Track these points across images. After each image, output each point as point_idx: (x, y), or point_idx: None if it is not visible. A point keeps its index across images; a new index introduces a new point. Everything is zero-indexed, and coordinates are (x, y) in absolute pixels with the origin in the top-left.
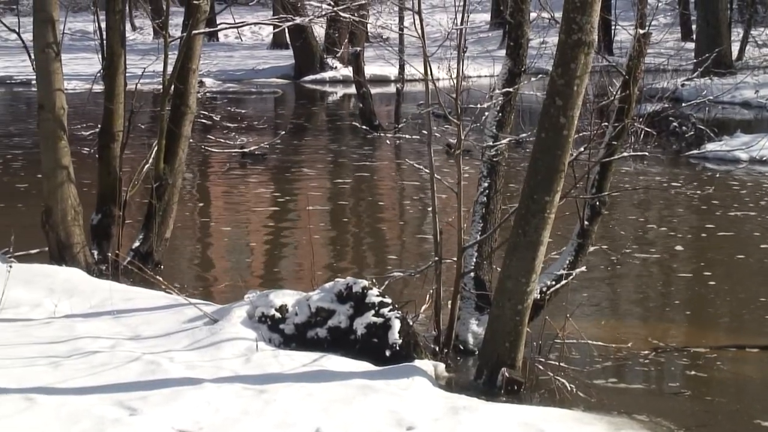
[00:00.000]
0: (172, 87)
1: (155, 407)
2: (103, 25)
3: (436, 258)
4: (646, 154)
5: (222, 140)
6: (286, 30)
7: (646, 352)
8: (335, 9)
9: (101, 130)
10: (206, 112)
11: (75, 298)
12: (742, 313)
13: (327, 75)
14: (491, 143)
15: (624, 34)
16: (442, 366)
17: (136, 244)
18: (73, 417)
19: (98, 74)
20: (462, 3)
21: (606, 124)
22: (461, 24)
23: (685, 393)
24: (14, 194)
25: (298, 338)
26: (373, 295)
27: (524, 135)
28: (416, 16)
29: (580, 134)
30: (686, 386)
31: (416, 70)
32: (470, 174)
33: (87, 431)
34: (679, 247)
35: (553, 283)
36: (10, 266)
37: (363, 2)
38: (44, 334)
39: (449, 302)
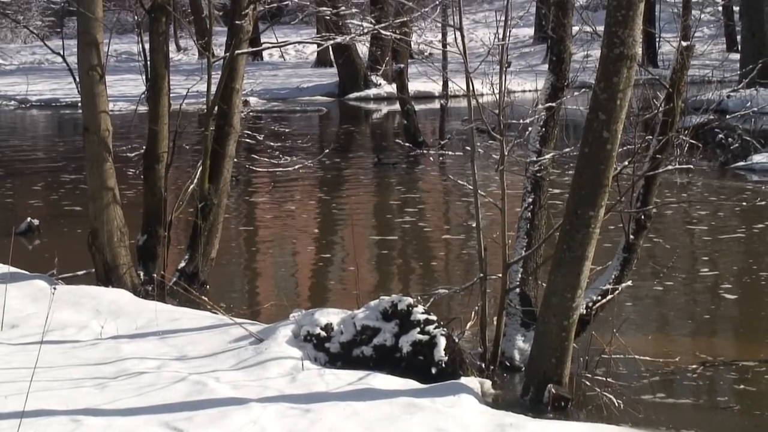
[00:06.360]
0: (216, 107)
1: (201, 427)
2: (147, 46)
3: (481, 274)
4: (692, 166)
5: (266, 159)
6: (330, 48)
7: (694, 366)
8: (377, 27)
9: (146, 151)
10: (249, 132)
11: (121, 319)
12: None
13: (371, 92)
14: (535, 158)
15: (668, 45)
16: (488, 383)
17: (182, 264)
18: None
19: (143, 95)
20: (504, 18)
21: (650, 137)
22: (503, 39)
23: (734, 408)
24: (61, 216)
25: (343, 357)
26: (419, 313)
27: (568, 150)
28: (458, 33)
29: (624, 148)
30: (735, 401)
31: (459, 87)
32: (514, 189)
33: None
34: (725, 260)
35: (599, 298)
36: (54, 288)
37: (405, 20)
38: (91, 356)
39: (495, 319)
